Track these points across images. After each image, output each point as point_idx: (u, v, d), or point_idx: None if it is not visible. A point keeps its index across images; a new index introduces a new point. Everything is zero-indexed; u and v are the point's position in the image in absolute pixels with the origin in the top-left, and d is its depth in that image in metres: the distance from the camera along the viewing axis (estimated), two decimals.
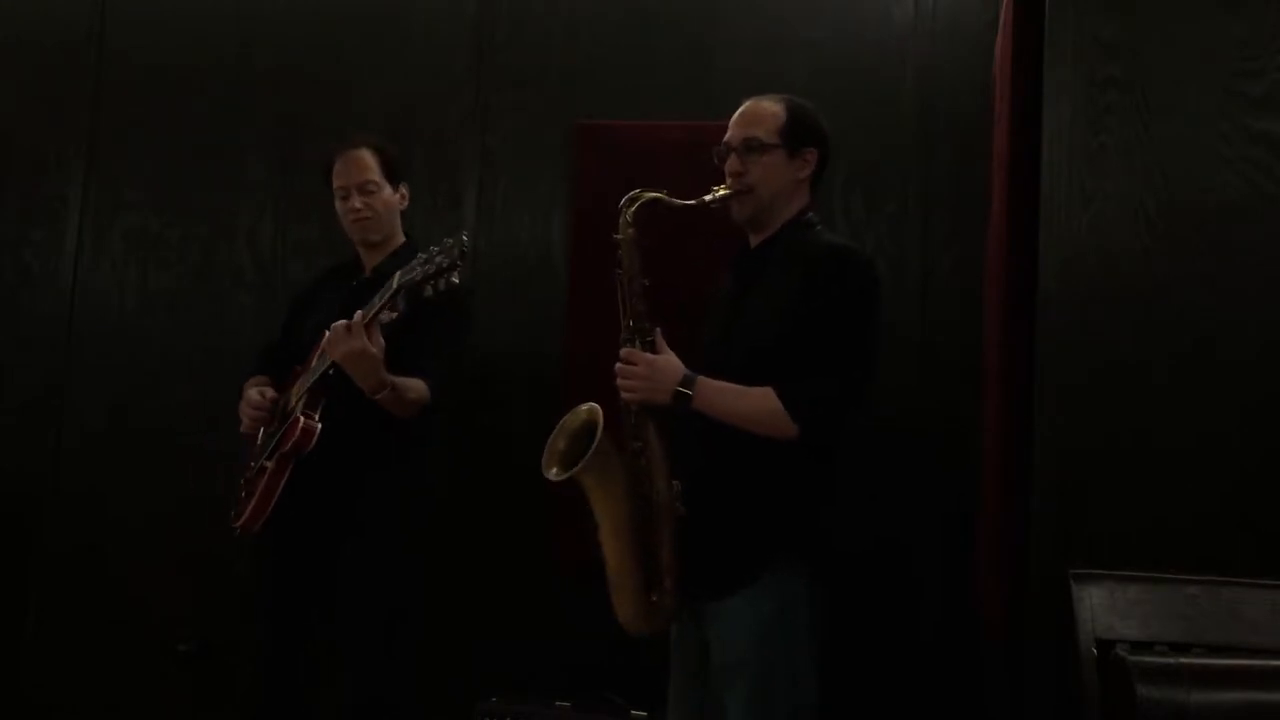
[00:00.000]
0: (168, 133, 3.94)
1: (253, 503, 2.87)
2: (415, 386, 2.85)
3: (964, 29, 3.46)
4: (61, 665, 3.80)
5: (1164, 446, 2.44)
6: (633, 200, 2.43)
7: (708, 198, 2.45)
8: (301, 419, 2.83)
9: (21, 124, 4.04)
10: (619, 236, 2.42)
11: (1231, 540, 2.38)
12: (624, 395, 2.37)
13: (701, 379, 2.34)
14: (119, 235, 3.95)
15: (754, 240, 2.52)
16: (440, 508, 3.23)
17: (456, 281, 2.68)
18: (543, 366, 3.55)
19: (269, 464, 2.87)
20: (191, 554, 3.68)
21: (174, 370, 3.83)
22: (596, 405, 2.36)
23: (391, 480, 2.93)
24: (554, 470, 2.35)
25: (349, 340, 2.73)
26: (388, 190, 3.09)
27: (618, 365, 2.39)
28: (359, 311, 2.76)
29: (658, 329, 2.42)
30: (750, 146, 2.45)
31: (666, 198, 2.44)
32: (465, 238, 2.69)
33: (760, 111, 2.49)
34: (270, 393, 3.02)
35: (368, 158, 3.07)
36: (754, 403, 2.30)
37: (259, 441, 3.01)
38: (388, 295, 2.72)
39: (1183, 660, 2.07)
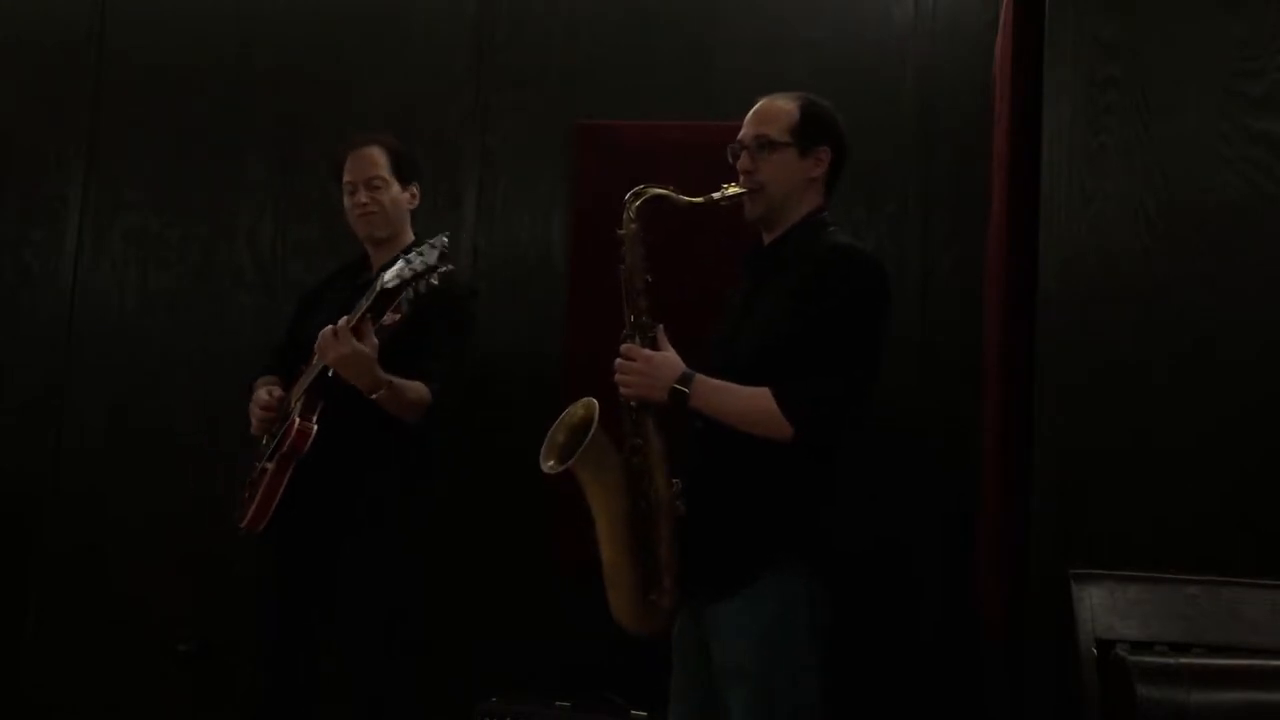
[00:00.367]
0: (168, 133, 3.94)
1: (255, 504, 2.89)
2: (414, 387, 2.85)
3: (964, 29, 3.46)
4: (61, 665, 3.80)
5: (1164, 446, 2.44)
6: (638, 195, 2.43)
7: (717, 195, 2.44)
8: (297, 421, 2.84)
9: (21, 124, 4.04)
10: (622, 231, 2.42)
11: (1231, 540, 2.38)
12: (622, 391, 2.37)
13: (700, 377, 2.34)
14: (119, 235, 3.95)
15: (766, 239, 2.51)
16: (440, 508, 3.23)
17: (437, 283, 2.69)
18: (543, 366, 3.55)
19: (269, 465, 2.89)
20: (191, 554, 3.68)
21: (174, 370, 3.83)
22: (594, 400, 2.36)
23: (391, 480, 2.94)
24: (550, 462, 2.36)
25: (337, 345, 2.74)
26: (396, 188, 3.09)
27: (617, 361, 2.38)
28: (344, 316, 2.78)
29: (659, 326, 2.41)
30: (762, 144, 2.44)
31: (673, 194, 2.43)
32: (446, 239, 2.70)
33: (773, 109, 2.47)
34: (278, 392, 3.03)
35: (377, 154, 3.08)
36: (750, 403, 2.29)
37: (264, 442, 3.02)
38: (371, 298, 2.73)
39: (1183, 660, 2.07)
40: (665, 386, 2.33)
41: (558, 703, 3.20)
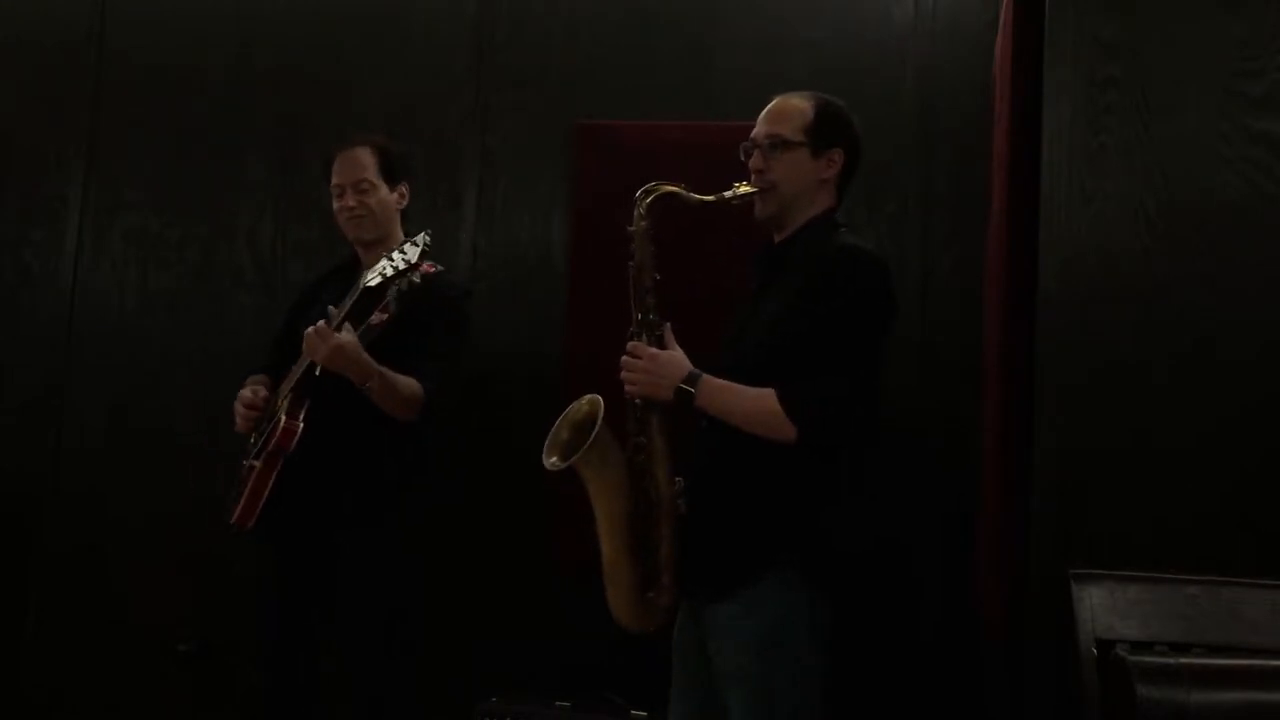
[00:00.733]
0: (168, 133, 3.94)
1: (243, 501, 2.90)
2: (407, 383, 2.86)
3: (964, 29, 3.46)
4: (61, 665, 3.80)
5: (1164, 446, 2.44)
6: (648, 192, 2.42)
7: (728, 194, 2.43)
8: (284, 420, 2.86)
9: (21, 124, 4.04)
10: (632, 228, 2.41)
11: (1231, 540, 2.38)
12: (627, 389, 2.37)
13: (706, 377, 2.33)
14: (119, 235, 3.95)
15: (776, 238, 2.50)
16: (440, 507, 3.23)
17: (418, 281, 2.71)
18: (543, 366, 3.55)
19: (256, 463, 2.91)
20: (191, 554, 3.68)
21: (174, 370, 3.83)
22: (598, 397, 2.36)
23: (386, 478, 2.94)
24: (553, 459, 2.36)
25: (322, 343, 2.76)
26: (384, 190, 3.09)
27: (623, 358, 2.38)
28: (331, 307, 2.81)
29: (666, 324, 2.41)
30: (774, 144, 2.43)
31: (684, 192, 2.43)
32: (428, 237, 2.71)
33: (787, 109, 2.46)
34: (263, 391, 3.04)
35: (365, 156, 3.08)
36: (754, 404, 2.29)
37: (251, 440, 3.04)
38: (354, 297, 2.76)
39: (1183, 660, 2.07)
40: (671, 385, 2.33)
41: (558, 703, 3.20)
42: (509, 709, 3.19)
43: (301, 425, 2.85)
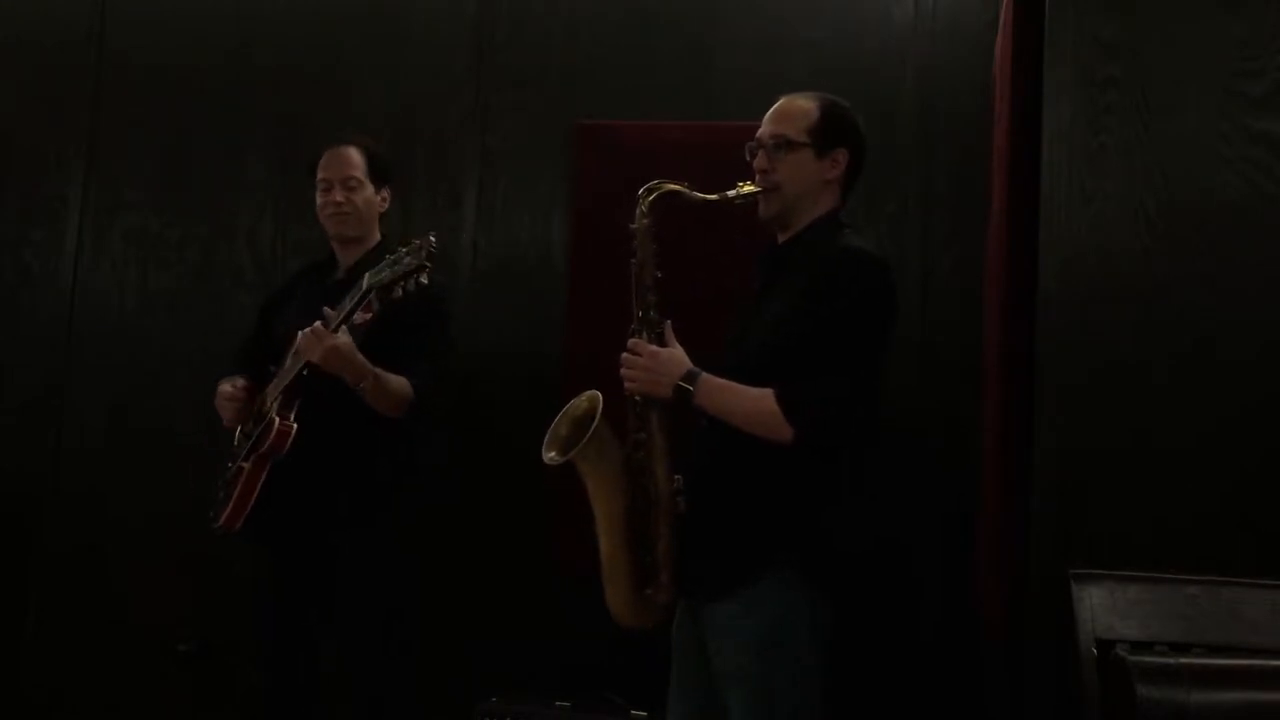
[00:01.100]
0: (168, 133, 3.94)
1: (231, 503, 2.90)
2: (398, 381, 2.87)
3: (964, 29, 3.46)
4: (61, 665, 3.80)
5: (1164, 446, 2.43)
6: (651, 190, 2.42)
7: (731, 193, 2.43)
8: (277, 420, 2.85)
9: (21, 124, 4.05)
10: (634, 226, 2.41)
11: (1231, 540, 2.38)
12: (627, 385, 2.37)
13: (705, 376, 2.33)
14: (119, 235, 3.95)
15: (780, 238, 2.50)
16: (434, 507, 3.23)
17: (426, 282, 2.70)
18: (543, 366, 3.55)
19: (245, 465, 2.90)
20: (191, 554, 3.67)
21: (174, 370, 3.83)
22: (598, 393, 2.37)
23: (379, 477, 2.94)
24: (552, 454, 2.36)
25: (320, 343, 2.76)
26: (370, 190, 3.11)
27: (623, 355, 2.38)
28: (327, 308, 2.80)
29: (667, 322, 2.41)
30: (779, 144, 2.42)
31: (687, 190, 2.43)
32: (433, 238, 2.70)
33: (793, 109, 2.46)
34: (241, 382, 3.03)
35: (354, 155, 3.10)
36: (752, 403, 2.28)
37: (235, 441, 3.03)
38: (359, 296, 2.74)
39: (1183, 660, 2.07)
40: (670, 383, 2.33)
41: (558, 703, 3.20)
42: (509, 709, 3.19)
43: (295, 426, 2.85)
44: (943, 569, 3.27)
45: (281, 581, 2.98)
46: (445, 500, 3.43)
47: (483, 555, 3.52)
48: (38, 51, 4.06)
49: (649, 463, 2.36)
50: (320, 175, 3.11)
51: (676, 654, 2.48)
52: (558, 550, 3.42)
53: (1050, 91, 2.54)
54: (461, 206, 3.72)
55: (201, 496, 3.41)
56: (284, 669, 2.99)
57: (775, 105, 2.49)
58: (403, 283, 2.69)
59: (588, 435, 2.31)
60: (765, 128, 2.46)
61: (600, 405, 2.34)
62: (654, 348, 2.37)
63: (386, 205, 3.17)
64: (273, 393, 2.94)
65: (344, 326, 2.79)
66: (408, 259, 2.67)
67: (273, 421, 2.85)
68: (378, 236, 3.14)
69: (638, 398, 2.38)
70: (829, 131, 2.44)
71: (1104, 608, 2.29)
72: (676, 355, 2.37)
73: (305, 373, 2.84)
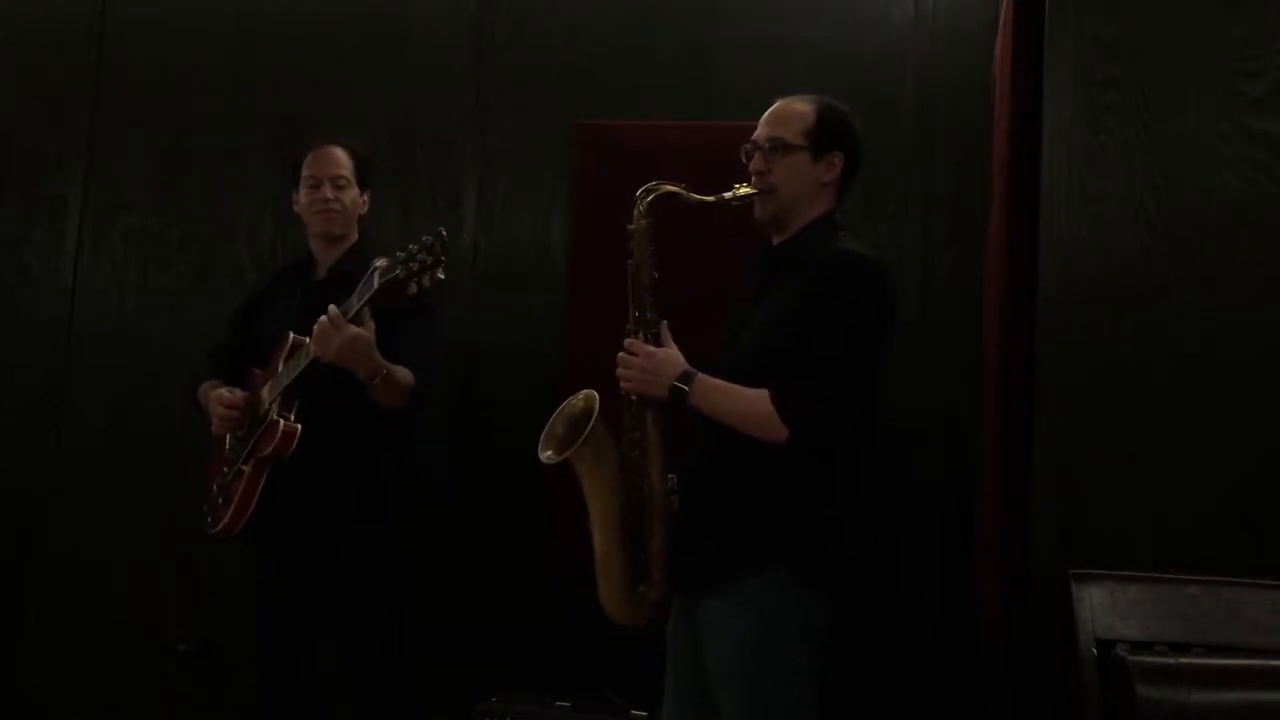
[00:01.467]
0: (168, 133, 3.94)
1: (232, 507, 2.88)
2: (405, 375, 2.86)
3: (964, 29, 3.46)
4: (61, 665, 3.80)
5: (1164, 446, 2.44)
6: (649, 191, 2.43)
7: (728, 195, 2.43)
8: (281, 422, 2.83)
9: (21, 124, 4.04)
10: (632, 227, 2.42)
11: (1231, 540, 2.38)
12: (623, 385, 2.38)
13: (701, 376, 2.34)
14: (119, 235, 3.95)
15: (775, 240, 2.50)
16: (434, 505, 3.23)
17: (442, 277, 2.67)
18: (543, 366, 3.55)
19: (245, 468, 2.89)
20: (191, 554, 3.67)
21: (174, 370, 3.81)
22: (594, 392, 2.37)
23: (376, 475, 2.94)
24: (548, 452, 2.37)
25: (337, 334, 2.73)
26: (355, 191, 3.11)
27: (619, 355, 2.39)
28: (332, 306, 2.74)
29: (663, 322, 2.41)
30: (775, 146, 2.43)
31: (684, 192, 2.43)
32: (444, 233, 2.67)
33: (789, 112, 2.46)
34: (240, 392, 3.00)
35: (342, 155, 3.11)
36: (747, 404, 2.29)
37: (228, 445, 3.01)
38: (370, 293, 2.70)
39: (1183, 660, 2.08)
40: (666, 383, 2.34)
41: (558, 703, 3.20)
42: (509, 709, 3.19)
43: (299, 427, 2.83)
44: (943, 569, 3.27)
45: (281, 581, 2.97)
46: (445, 500, 3.43)
47: (483, 555, 3.52)
48: (38, 51, 4.06)
49: (643, 462, 2.37)
50: (307, 172, 3.11)
51: (671, 653, 2.48)
52: (558, 550, 3.41)
53: (1050, 91, 2.54)
54: (461, 206, 3.72)
55: (201, 496, 3.41)
56: (284, 669, 2.98)
57: (772, 108, 2.49)
58: (417, 279, 2.66)
59: (584, 435, 2.32)
60: (761, 130, 2.47)
61: (597, 404, 2.34)
62: (650, 348, 2.37)
63: (365, 209, 3.18)
64: (270, 394, 2.92)
65: (369, 319, 2.76)
66: (422, 255, 2.64)
67: (276, 423, 2.83)
68: (355, 237, 3.14)
69: (633, 397, 2.38)
70: (825, 134, 2.44)
71: (1104, 608, 2.29)
72: (673, 356, 2.37)
73: (308, 365, 2.79)
